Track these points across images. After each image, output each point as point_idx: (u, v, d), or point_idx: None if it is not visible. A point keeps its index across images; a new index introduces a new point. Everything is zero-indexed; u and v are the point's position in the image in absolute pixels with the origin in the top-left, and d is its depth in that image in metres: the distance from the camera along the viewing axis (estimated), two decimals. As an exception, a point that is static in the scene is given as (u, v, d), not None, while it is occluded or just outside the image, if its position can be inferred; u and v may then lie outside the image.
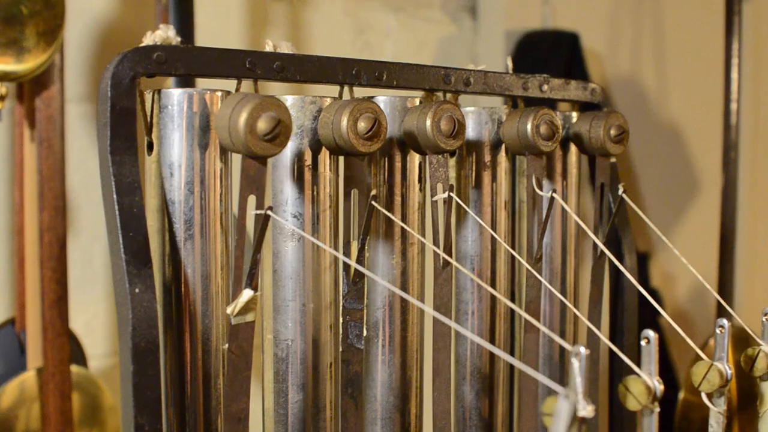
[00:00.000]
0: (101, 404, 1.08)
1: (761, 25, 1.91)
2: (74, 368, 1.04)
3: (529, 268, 0.71)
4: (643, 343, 0.54)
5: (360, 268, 0.61)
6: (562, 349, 0.80)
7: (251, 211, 0.57)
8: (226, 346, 0.59)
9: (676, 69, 1.82)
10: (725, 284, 1.32)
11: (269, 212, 0.57)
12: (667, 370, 1.56)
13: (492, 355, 0.77)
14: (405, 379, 0.71)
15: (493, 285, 0.77)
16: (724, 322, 0.60)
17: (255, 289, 0.57)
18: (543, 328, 0.52)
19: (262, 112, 0.55)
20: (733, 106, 1.29)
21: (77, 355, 1.07)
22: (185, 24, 1.08)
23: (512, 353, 0.82)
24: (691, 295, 1.85)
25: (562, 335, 0.81)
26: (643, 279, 1.66)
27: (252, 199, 0.57)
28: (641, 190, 1.77)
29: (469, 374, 0.77)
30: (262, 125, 0.55)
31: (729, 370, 0.59)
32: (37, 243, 1.01)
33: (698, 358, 0.62)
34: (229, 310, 0.57)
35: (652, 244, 1.74)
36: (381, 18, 1.44)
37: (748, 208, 1.94)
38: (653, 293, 1.67)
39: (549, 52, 1.51)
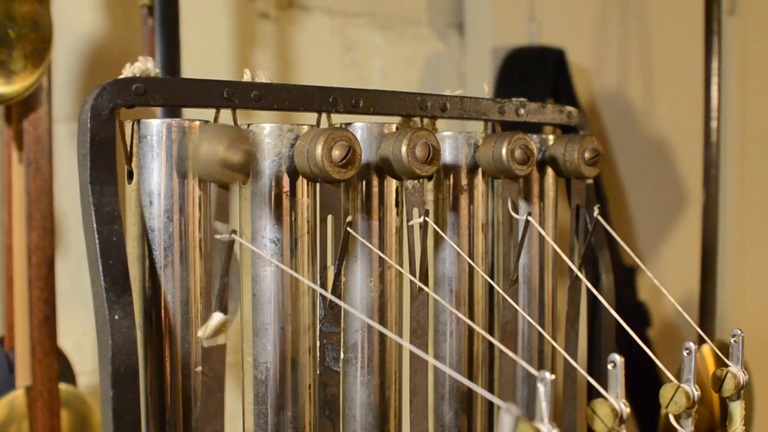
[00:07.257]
0: (90, 421, 1.09)
1: (747, 42, 1.92)
2: (63, 386, 1.05)
3: (503, 294, 0.72)
4: (609, 366, 0.55)
5: (333, 298, 0.62)
6: (539, 369, 0.81)
7: (216, 236, 0.58)
8: (199, 368, 0.60)
9: (662, 85, 1.83)
10: (707, 300, 1.33)
11: (234, 236, 0.58)
12: (654, 385, 1.57)
13: (470, 373, 0.78)
14: (384, 400, 0.72)
15: (470, 305, 0.78)
16: (691, 344, 0.61)
17: (225, 312, 0.59)
18: (512, 355, 0.53)
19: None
20: (713, 123, 1.30)
21: (66, 373, 1.08)
22: (172, 44, 1.09)
23: (492, 371, 0.83)
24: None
25: (540, 354, 0.83)
26: (631, 292, 1.67)
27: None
28: (628, 204, 1.78)
29: (447, 393, 0.78)
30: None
31: (696, 391, 0.61)
32: (25, 263, 1.02)
33: (677, 377, 0.63)
34: (200, 333, 0.59)
35: (640, 257, 1.75)
36: (368, 36, 1.46)
37: (736, 223, 1.95)
38: (641, 306, 1.68)
39: (535, 69, 1.52)
